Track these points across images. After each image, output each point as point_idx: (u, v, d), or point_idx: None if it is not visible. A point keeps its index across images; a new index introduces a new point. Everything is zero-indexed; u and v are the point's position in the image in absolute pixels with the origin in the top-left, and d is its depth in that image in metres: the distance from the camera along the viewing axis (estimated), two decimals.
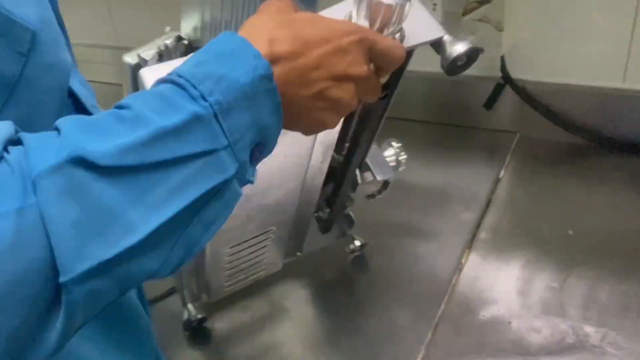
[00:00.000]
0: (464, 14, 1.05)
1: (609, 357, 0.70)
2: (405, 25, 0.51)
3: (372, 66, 0.46)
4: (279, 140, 0.43)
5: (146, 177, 0.34)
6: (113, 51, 1.60)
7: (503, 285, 0.82)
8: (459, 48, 0.55)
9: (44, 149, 0.32)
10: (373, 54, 0.46)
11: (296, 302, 0.87)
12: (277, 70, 0.40)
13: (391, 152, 0.87)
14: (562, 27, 1.05)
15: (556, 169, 1.05)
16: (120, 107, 0.36)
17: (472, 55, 0.57)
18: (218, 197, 0.38)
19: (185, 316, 0.83)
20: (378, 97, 0.49)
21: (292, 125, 0.44)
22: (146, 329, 0.58)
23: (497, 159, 1.09)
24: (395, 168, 0.85)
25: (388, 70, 0.49)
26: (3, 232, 0.29)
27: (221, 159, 0.37)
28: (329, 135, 0.67)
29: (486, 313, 0.78)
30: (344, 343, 0.79)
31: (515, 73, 1.12)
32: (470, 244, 0.90)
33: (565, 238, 0.89)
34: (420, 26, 0.54)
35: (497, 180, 1.04)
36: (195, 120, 0.36)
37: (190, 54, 0.41)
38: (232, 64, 0.38)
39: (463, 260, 0.87)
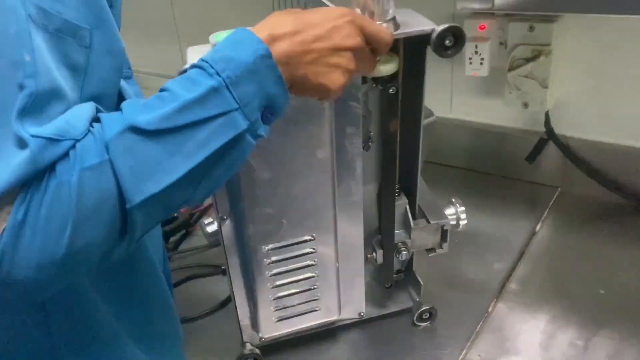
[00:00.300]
0: (510, 70, 1.09)
1: None
2: (403, 22, 0.66)
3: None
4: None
5: (180, 135, 0.48)
6: None
7: (526, 337, 0.83)
8: (442, 26, 0.65)
9: (112, 122, 0.47)
10: (365, 35, 0.58)
11: None
12: (281, 47, 0.53)
13: (452, 210, 0.88)
14: (607, 86, 1.07)
15: (594, 226, 1.05)
16: (162, 90, 0.50)
17: (456, 33, 0.65)
18: (235, 146, 0.51)
19: (239, 352, 0.82)
20: (373, 68, 0.63)
21: (301, 91, 0.56)
22: (167, 301, 0.72)
23: (535, 212, 1.11)
24: (455, 227, 0.87)
25: (379, 51, 0.61)
26: (91, 176, 0.45)
27: (234, 119, 0.50)
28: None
29: None
30: None
31: (559, 129, 1.14)
32: (498, 294, 0.92)
33: (596, 296, 0.89)
34: (415, 23, 0.67)
35: (533, 233, 1.05)
36: (212, 92, 0.49)
37: None
38: (239, 49, 0.51)
39: (490, 310, 0.89)
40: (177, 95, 0.48)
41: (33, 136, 0.43)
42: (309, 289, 0.82)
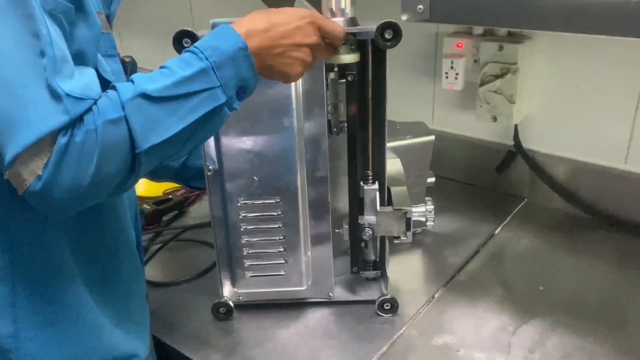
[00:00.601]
0: (480, 85, 1.18)
1: None
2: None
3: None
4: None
5: (176, 102, 0.62)
6: None
7: (462, 320, 0.92)
8: (382, 21, 0.78)
9: (126, 89, 0.61)
10: (322, 31, 0.73)
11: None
12: (255, 41, 0.67)
13: (422, 208, 1.01)
14: (571, 105, 1.16)
15: (550, 235, 1.13)
16: (163, 67, 0.65)
17: (395, 28, 0.78)
18: (215, 115, 0.66)
19: (216, 300, 0.94)
20: (329, 56, 0.78)
21: (268, 76, 0.72)
22: (135, 256, 0.83)
23: (498, 218, 1.19)
24: (422, 224, 0.97)
25: (334, 43, 0.77)
26: (111, 126, 0.59)
27: (216, 93, 0.65)
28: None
29: (440, 340, 0.88)
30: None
31: (527, 143, 1.23)
32: (447, 283, 1.01)
33: (534, 292, 0.98)
34: (368, 25, 0.82)
35: (492, 235, 1.14)
36: (201, 72, 0.64)
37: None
38: (223, 40, 0.66)
39: (436, 296, 0.98)
40: (175, 72, 0.63)
41: (67, 95, 0.57)
42: (277, 252, 0.93)
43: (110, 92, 0.61)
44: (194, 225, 1.22)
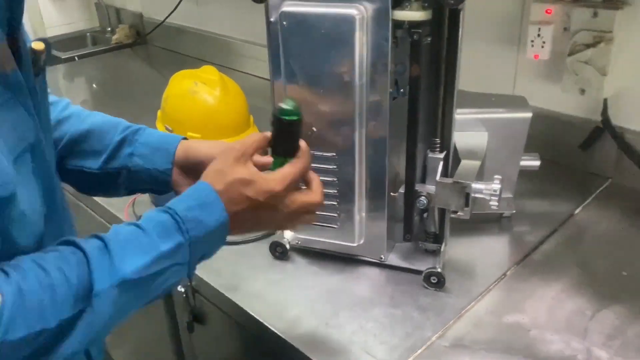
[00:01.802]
0: (569, 55, 1.11)
1: None
2: None
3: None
4: None
5: (147, 283, 0.60)
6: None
7: (535, 300, 0.87)
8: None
9: (102, 272, 0.56)
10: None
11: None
12: (236, 219, 0.66)
13: (485, 186, 0.90)
14: None
15: (636, 218, 1.06)
16: (140, 228, 0.61)
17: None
18: (176, 284, 0.64)
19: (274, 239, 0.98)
20: (310, 222, 0.75)
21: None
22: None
23: (579, 198, 1.12)
24: (484, 201, 0.90)
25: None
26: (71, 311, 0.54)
27: (182, 269, 0.63)
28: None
29: (510, 318, 0.84)
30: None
31: (616, 119, 1.14)
32: (520, 261, 0.96)
33: (617, 276, 0.91)
34: None
35: (571, 215, 1.08)
36: (179, 246, 0.61)
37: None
38: (209, 214, 0.64)
39: (507, 273, 0.93)
40: (155, 244, 0.60)
41: None
42: (331, 205, 0.92)
43: (81, 267, 0.55)
44: None
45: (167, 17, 2.11)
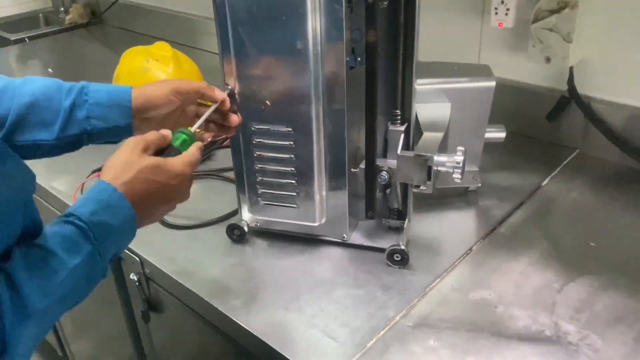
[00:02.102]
0: (534, 22, 1.07)
1: (582, 356, 0.71)
2: None
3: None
4: None
5: (62, 301, 0.58)
6: None
7: (502, 275, 0.84)
8: None
9: (13, 317, 0.53)
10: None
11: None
12: (142, 211, 0.66)
13: (451, 158, 0.86)
14: (636, 48, 1.04)
15: (604, 189, 1.03)
16: (44, 249, 0.57)
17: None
18: (92, 288, 0.63)
19: (232, 221, 0.94)
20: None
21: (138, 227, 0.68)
22: None
23: (546, 169, 1.10)
24: (448, 175, 0.87)
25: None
26: None
27: (97, 273, 0.62)
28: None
29: (476, 294, 0.81)
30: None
31: (582, 88, 1.11)
32: (486, 236, 0.93)
33: (585, 247, 0.89)
34: None
35: (538, 187, 1.05)
36: (89, 257, 0.60)
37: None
38: (114, 215, 0.63)
39: (473, 248, 0.90)
40: (63, 261, 0.57)
41: None
42: (289, 183, 0.88)
43: None
44: (222, 169, 1.17)
45: None
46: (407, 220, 0.89)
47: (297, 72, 0.80)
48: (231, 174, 1.04)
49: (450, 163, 0.84)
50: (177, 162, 0.70)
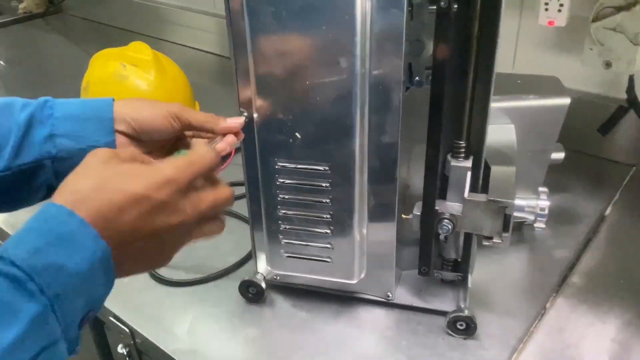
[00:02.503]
0: (594, 20, 0.90)
1: None
2: None
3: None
4: None
5: None
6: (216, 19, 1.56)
7: (593, 344, 0.68)
8: None
9: None
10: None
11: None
12: (113, 234, 0.42)
13: (531, 202, 0.76)
14: None
15: None
16: None
17: None
18: None
19: (246, 277, 0.75)
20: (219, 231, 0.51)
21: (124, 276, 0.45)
22: None
23: (605, 193, 0.94)
24: (530, 221, 0.75)
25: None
26: None
27: (57, 349, 0.38)
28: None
29: None
30: None
31: None
32: (559, 287, 0.76)
33: None
34: None
35: (602, 218, 0.89)
36: (35, 321, 0.37)
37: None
38: (72, 250, 0.39)
39: (547, 305, 0.73)
40: None
41: None
42: (322, 233, 0.69)
43: None
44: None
45: None
46: (469, 277, 0.71)
47: (338, 96, 0.61)
48: (238, 205, 0.85)
49: (531, 209, 0.67)
50: (162, 166, 0.46)
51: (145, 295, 0.77)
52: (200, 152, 0.50)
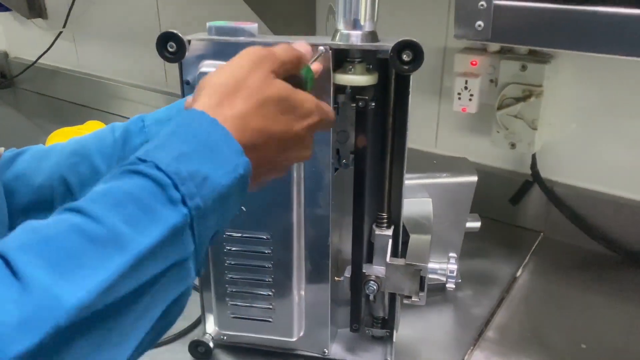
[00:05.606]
0: (499, 108, 1.05)
1: None
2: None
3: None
4: None
5: (118, 311, 0.31)
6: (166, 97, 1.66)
7: None
8: (398, 39, 0.64)
9: (7, 329, 0.27)
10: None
11: None
12: (252, 160, 0.41)
13: (443, 266, 0.85)
14: (597, 133, 1.05)
15: (577, 276, 1.01)
16: (86, 214, 0.32)
17: (414, 47, 0.64)
18: (178, 301, 0.38)
19: (196, 337, 0.82)
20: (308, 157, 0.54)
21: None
22: None
23: (517, 257, 1.07)
24: (441, 285, 0.84)
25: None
26: None
27: (187, 267, 0.36)
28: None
29: None
30: None
31: (546, 172, 1.11)
32: (475, 341, 0.86)
33: (578, 351, 0.85)
34: (387, 42, 0.68)
35: (514, 279, 1.01)
36: (171, 233, 0.34)
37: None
38: (216, 161, 0.38)
39: (465, 358, 0.83)
40: (123, 240, 0.32)
41: None
42: (265, 295, 0.78)
43: None
44: None
45: (40, 57, 1.86)
46: (394, 332, 0.81)
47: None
48: None
49: (443, 271, 0.78)
50: (310, 98, 0.48)
51: None
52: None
